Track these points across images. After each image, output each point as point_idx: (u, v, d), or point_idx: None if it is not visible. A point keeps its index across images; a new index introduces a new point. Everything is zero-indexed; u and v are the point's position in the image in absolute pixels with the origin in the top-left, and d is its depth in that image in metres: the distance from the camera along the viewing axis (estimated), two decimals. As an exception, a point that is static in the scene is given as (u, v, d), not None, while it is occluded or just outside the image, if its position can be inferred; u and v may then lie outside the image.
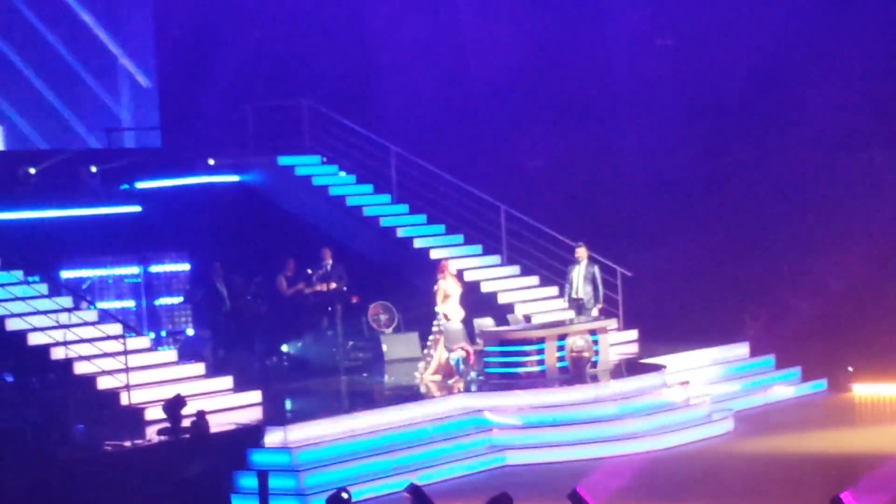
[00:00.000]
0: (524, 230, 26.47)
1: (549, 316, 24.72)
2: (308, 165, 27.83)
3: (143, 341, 22.12)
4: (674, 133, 27.58)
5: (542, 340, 22.03)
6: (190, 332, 26.04)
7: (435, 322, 22.84)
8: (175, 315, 26.69)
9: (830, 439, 20.88)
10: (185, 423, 18.37)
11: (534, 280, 26.45)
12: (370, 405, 20.75)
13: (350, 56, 29.11)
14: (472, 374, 22.32)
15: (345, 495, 13.97)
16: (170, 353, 22.21)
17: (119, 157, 27.29)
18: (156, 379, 20.67)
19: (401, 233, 26.74)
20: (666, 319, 25.55)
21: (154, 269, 26.61)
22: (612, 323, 23.83)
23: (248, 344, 25.07)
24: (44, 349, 20.57)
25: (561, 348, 22.10)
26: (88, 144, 28.76)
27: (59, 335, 20.45)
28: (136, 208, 25.89)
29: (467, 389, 21.54)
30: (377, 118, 27.94)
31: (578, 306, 24.08)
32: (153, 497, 17.26)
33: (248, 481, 17.86)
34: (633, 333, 25.49)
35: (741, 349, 24.89)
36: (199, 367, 21.56)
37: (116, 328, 20.99)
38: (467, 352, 22.34)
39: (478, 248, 27.00)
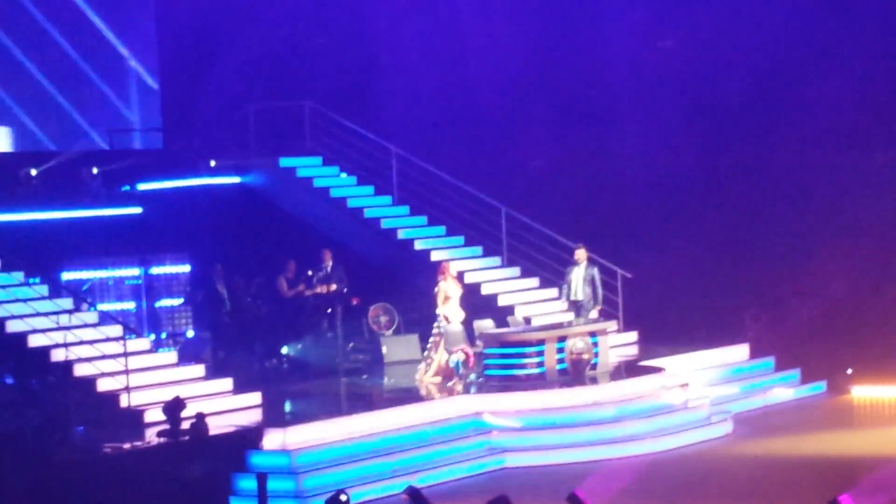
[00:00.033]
0: (525, 232, 26.48)
1: (549, 318, 24.73)
2: (309, 167, 27.85)
3: (144, 343, 22.14)
4: (674, 134, 27.58)
5: (541, 342, 22.04)
6: (190, 333, 26.05)
7: (435, 324, 22.85)
8: (175, 317, 26.69)
9: (829, 442, 20.89)
10: (185, 424, 18.42)
11: (534, 282, 26.46)
12: (370, 407, 20.77)
13: (351, 57, 29.14)
14: (472, 377, 22.33)
15: (343, 497, 14.00)
16: (170, 355, 22.22)
17: (120, 158, 27.31)
18: (156, 381, 20.68)
19: (401, 234, 26.77)
20: (665, 321, 25.56)
21: (155, 270, 26.62)
22: (612, 325, 23.84)
23: (248, 346, 25.09)
24: (44, 351, 20.59)
25: (561, 350, 22.12)
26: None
27: (59, 337, 20.46)
28: (137, 210, 25.92)
29: (467, 391, 21.56)
30: (378, 119, 27.96)
31: (577, 308, 24.10)
32: (152, 499, 17.30)
33: (248, 483, 17.88)
34: (633, 335, 25.50)
35: (740, 351, 24.90)
36: (198, 369, 21.58)
37: (117, 330, 21.01)
38: (467, 354, 22.35)
39: (478, 250, 27.01)
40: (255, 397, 20.98)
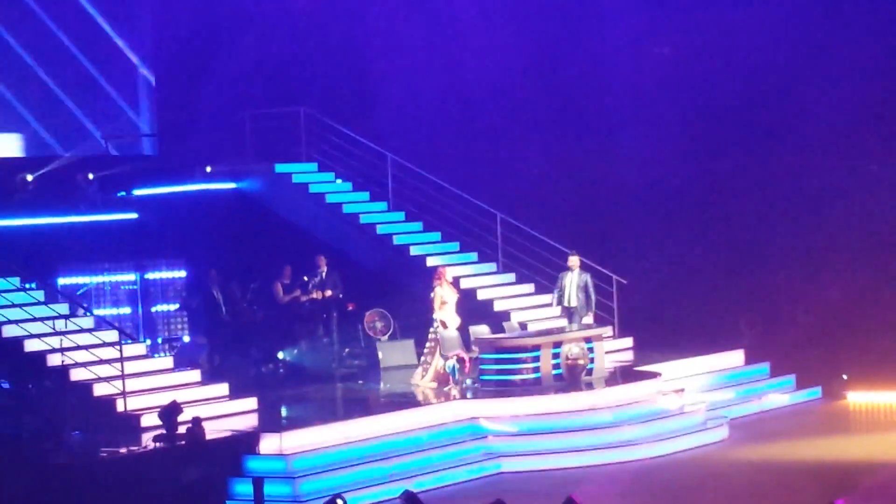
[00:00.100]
0: (520, 237, 26.50)
1: (545, 323, 24.73)
2: (305, 173, 27.89)
3: (140, 348, 22.14)
4: (670, 141, 27.62)
5: (537, 348, 22.04)
6: (186, 338, 26.05)
7: (431, 329, 22.86)
8: (171, 322, 26.69)
9: (825, 447, 20.90)
10: (181, 429, 18.42)
11: (529, 287, 26.48)
12: (366, 412, 20.76)
13: (347, 64, 29.18)
14: (468, 382, 22.35)
15: (340, 502, 14.03)
16: (166, 360, 22.20)
17: (116, 164, 27.32)
18: (152, 386, 20.68)
19: (396, 240, 26.79)
20: (661, 327, 25.60)
21: (150, 275, 26.61)
22: (608, 330, 23.85)
23: (244, 351, 25.10)
24: (40, 356, 20.58)
25: (556, 356, 22.12)
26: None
27: (55, 342, 20.47)
28: (133, 215, 25.92)
29: (463, 397, 21.58)
30: (374, 126, 28.00)
31: (570, 314, 24.10)
32: (149, 503, 17.28)
33: (244, 488, 17.89)
34: (629, 341, 25.51)
35: (736, 357, 24.91)
36: (195, 374, 21.58)
37: (113, 335, 20.99)
38: (463, 359, 22.36)
39: (473, 256, 27.05)
40: (252, 402, 20.98)
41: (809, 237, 26.67)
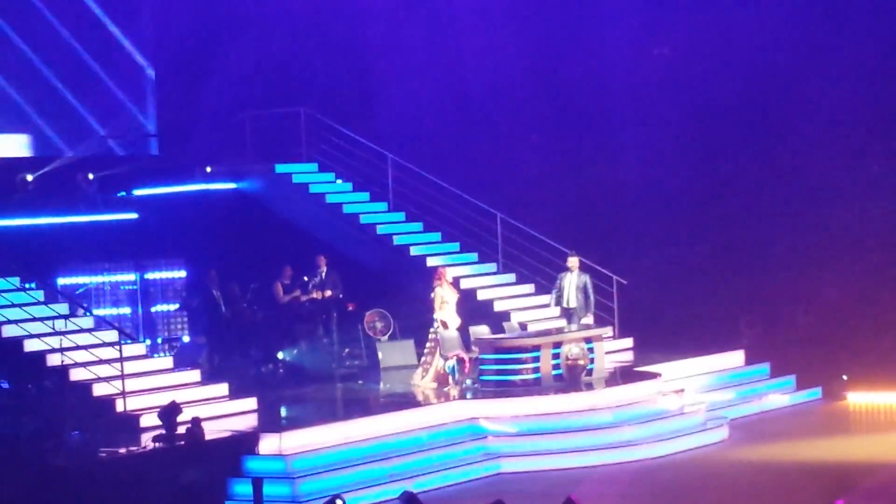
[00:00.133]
0: (520, 238, 26.50)
1: (545, 324, 24.72)
2: (305, 173, 27.89)
3: (139, 348, 22.13)
4: (669, 141, 27.64)
5: (537, 348, 22.02)
6: (186, 339, 26.05)
7: (432, 329, 22.85)
8: (171, 322, 26.70)
9: (825, 448, 20.89)
10: (181, 429, 18.42)
11: (529, 288, 26.47)
12: (366, 412, 20.75)
13: (347, 64, 29.18)
14: (468, 382, 22.34)
15: (339, 502, 14.02)
16: (165, 360, 22.19)
17: (116, 164, 27.30)
18: (151, 386, 20.68)
19: (397, 240, 26.78)
20: (661, 327, 25.60)
21: (150, 275, 26.62)
22: (608, 331, 23.84)
23: (244, 351, 25.09)
24: (40, 356, 20.57)
25: (556, 356, 22.11)
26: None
27: (55, 342, 20.46)
28: (133, 215, 25.91)
29: (462, 397, 21.57)
30: (374, 126, 28.01)
31: (569, 315, 24.08)
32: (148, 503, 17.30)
33: (243, 488, 17.88)
34: (629, 341, 25.50)
35: (736, 357, 24.90)
36: (194, 374, 21.57)
37: (112, 335, 20.99)
38: (463, 359, 22.35)
39: (473, 256, 27.05)
40: (251, 402, 20.97)
41: (809, 238, 26.68)
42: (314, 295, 25.45)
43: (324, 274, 25.52)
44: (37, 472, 17.29)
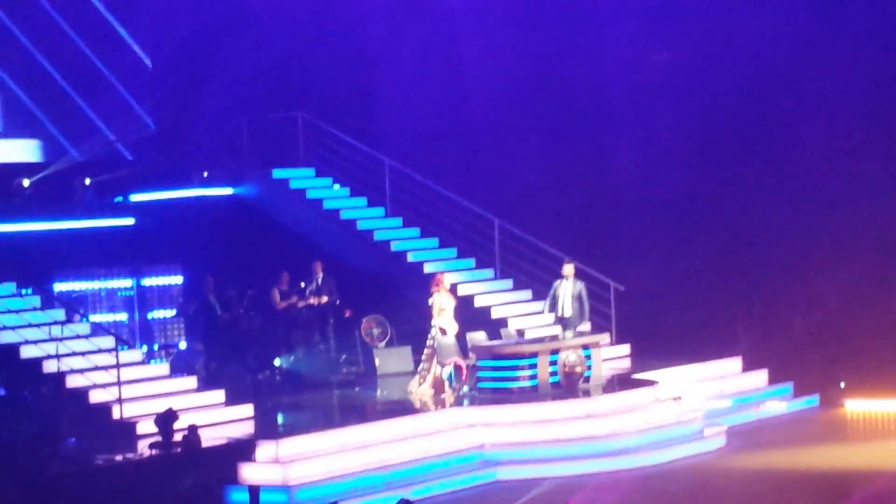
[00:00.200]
0: (518, 244, 26.47)
1: (542, 331, 24.70)
2: (302, 178, 27.86)
3: (136, 354, 22.13)
4: (667, 147, 27.63)
5: (534, 355, 22.00)
6: (182, 345, 26.01)
7: (430, 336, 22.81)
8: (168, 328, 26.67)
9: (822, 455, 20.86)
10: (177, 437, 18.39)
11: (527, 294, 26.44)
12: (362, 419, 20.71)
13: (345, 69, 29.14)
14: (465, 389, 22.31)
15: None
16: (162, 367, 22.19)
17: (113, 169, 27.27)
18: (148, 392, 20.66)
19: (394, 246, 26.75)
20: (658, 334, 25.57)
21: (147, 281, 26.59)
22: (605, 338, 23.80)
23: (241, 357, 25.04)
24: (36, 362, 20.56)
25: (553, 363, 22.09)
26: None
27: (51, 348, 20.43)
28: (130, 221, 25.89)
29: (459, 404, 21.54)
30: (371, 131, 27.98)
31: (564, 324, 24.02)
32: (145, 511, 17.29)
33: (240, 496, 17.86)
34: (626, 348, 25.47)
35: (733, 365, 24.88)
36: (191, 381, 21.56)
37: (109, 341, 20.98)
38: (460, 366, 22.33)
39: (471, 262, 27.00)
40: (248, 409, 20.96)
41: (807, 244, 26.65)
42: (312, 300, 25.41)
43: (320, 280, 25.49)
44: (33, 479, 17.25)
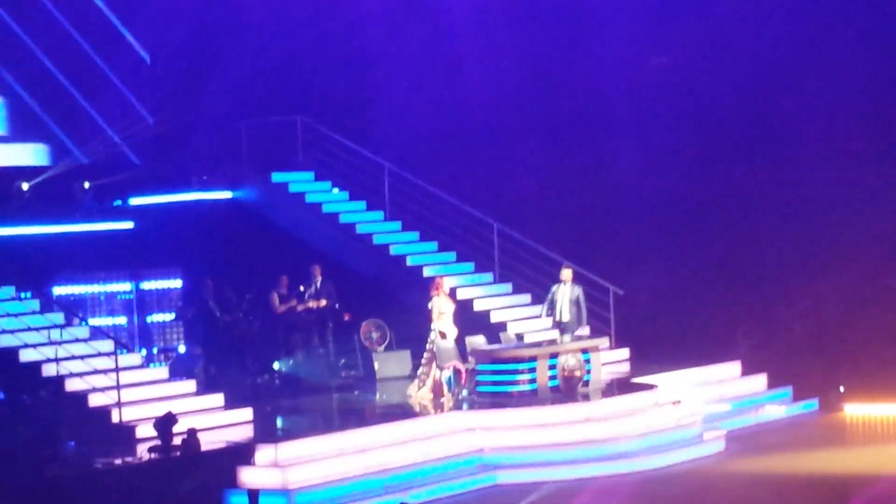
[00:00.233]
0: (517, 248, 26.46)
1: (542, 334, 24.68)
2: (301, 182, 27.87)
3: (135, 358, 22.11)
4: (666, 151, 27.61)
5: (533, 359, 21.99)
6: (181, 349, 26.00)
7: (429, 339, 22.80)
8: (167, 332, 26.67)
9: (822, 460, 20.86)
10: (176, 440, 18.39)
11: (526, 298, 26.42)
12: (362, 423, 20.71)
13: (345, 73, 29.14)
14: (464, 393, 22.30)
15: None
16: (161, 371, 22.17)
17: (112, 172, 27.26)
18: (147, 396, 20.65)
19: (394, 250, 26.74)
20: (657, 338, 25.56)
21: (146, 285, 26.58)
22: (604, 342, 23.79)
23: (240, 361, 25.05)
24: (35, 366, 20.55)
25: (553, 367, 22.08)
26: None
27: (50, 352, 20.42)
28: (129, 224, 25.87)
29: (459, 408, 21.53)
30: (371, 135, 27.98)
31: (562, 329, 23.98)
32: (144, 515, 17.29)
33: (239, 499, 17.87)
34: (625, 352, 25.47)
35: (733, 369, 24.87)
36: (190, 385, 21.55)
37: (108, 345, 20.97)
38: (459, 370, 22.32)
39: (470, 266, 27.00)
40: (247, 413, 20.94)
41: (806, 248, 26.65)
42: (310, 305, 25.41)
43: (319, 284, 25.49)
44: (32, 483, 17.25)
